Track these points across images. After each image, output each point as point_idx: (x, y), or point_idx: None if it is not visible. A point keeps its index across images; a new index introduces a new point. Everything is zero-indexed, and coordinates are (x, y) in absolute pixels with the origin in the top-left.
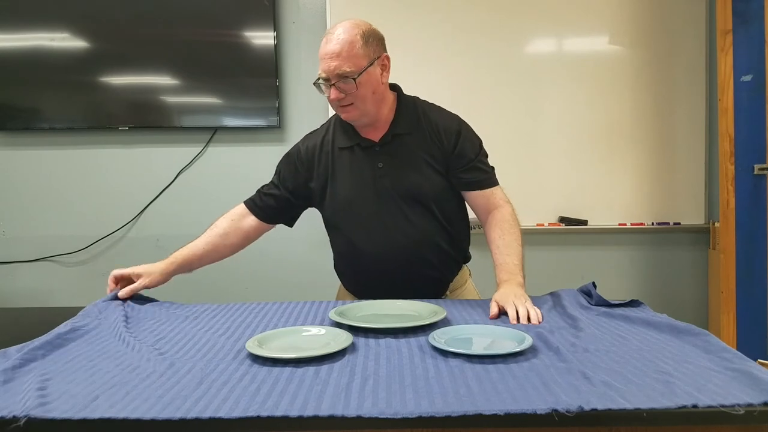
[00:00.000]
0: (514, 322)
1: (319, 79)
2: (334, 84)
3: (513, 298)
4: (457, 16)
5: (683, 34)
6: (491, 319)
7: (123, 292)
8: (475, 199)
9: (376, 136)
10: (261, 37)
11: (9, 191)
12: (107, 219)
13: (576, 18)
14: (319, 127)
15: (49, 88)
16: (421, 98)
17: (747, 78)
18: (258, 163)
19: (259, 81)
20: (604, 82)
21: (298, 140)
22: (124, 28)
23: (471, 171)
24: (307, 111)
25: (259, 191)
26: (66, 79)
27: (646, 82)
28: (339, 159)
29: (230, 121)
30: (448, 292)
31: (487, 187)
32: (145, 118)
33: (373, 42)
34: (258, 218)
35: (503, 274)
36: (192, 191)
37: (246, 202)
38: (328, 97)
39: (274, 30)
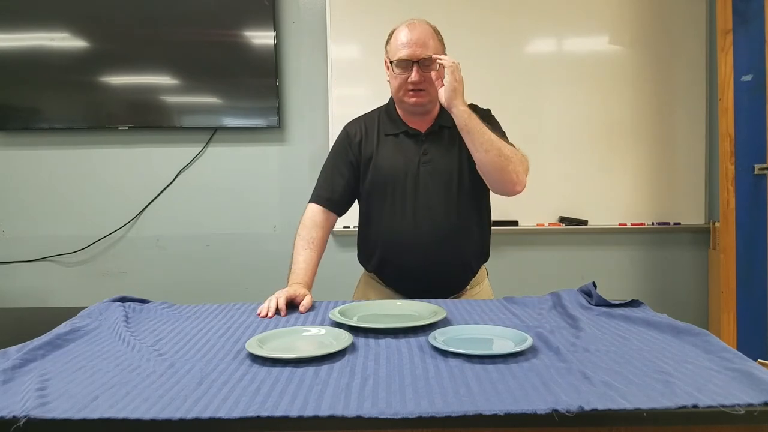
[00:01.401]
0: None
1: (393, 63)
2: (416, 64)
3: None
4: (457, 16)
5: (683, 34)
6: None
7: (304, 307)
8: None
9: (422, 126)
10: (261, 37)
11: (9, 191)
12: (107, 219)
13: (576, 18)
14: (360, 116)
15: (49, 88)
16: None
17: (747, 78)
18: (258, 163)
19: (259, 81)
20: (604, 82)
21: (299, 140)
22: (124, 28)
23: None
24: (307, 111)
25: (324, 188)
26: (66, 79)
27: (646, 82)
28: (384, 143)
29: (230, 121)
30: (468, 287)
31: None
32: (145, 118)
33: (442, 41)
34: (337, 214)
35: None
36: (192, 191)
37: (321, 203)
38: (405, 81)
39: (274, 30)
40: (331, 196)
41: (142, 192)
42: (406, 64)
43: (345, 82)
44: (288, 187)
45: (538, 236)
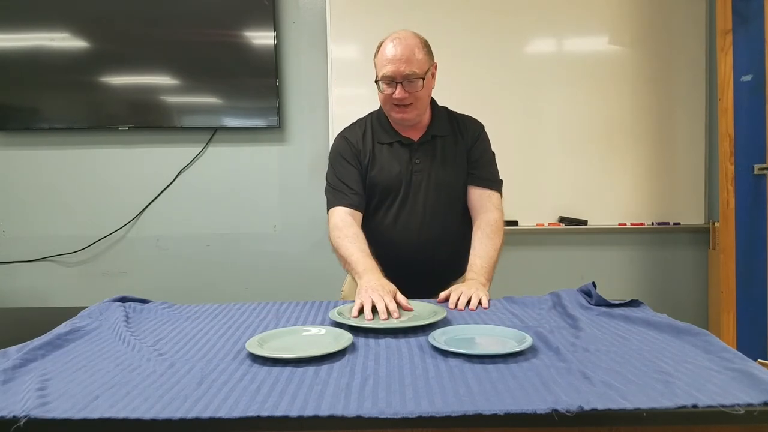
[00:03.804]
0: (452, 307)
1: (378, 80)
2: (400, 83)
3: (464, 288)
4: (457, 16)
5: (683, 34)
6: (438, 302)
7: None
8: (473, 194)
9: (415, 135)
10: (261, 37)
11: (9, 191)
12: (107, 219)
13: (576, 18)
14: (351, 124)
15: (49, 88)
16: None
17: (747, 78)
18: (258, 163)
19: (259, 81)
20: (604, 82)
21: (299, 140)
22: (124, 28)
23: (479, 168)
24: (307, 111)
25: (343, 189)
26: (66, 79)
27: (646, 82)
28: (378, 152)
29: (230, 121)
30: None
31: (488, 188)
32: (145, 118)
33: (430, 51)
34: (360, 212)
35: (469, 273)
36: (192, 191)
37: (344, 204)
38: (390, 96)
39: (274, 30)
40: (352, 195)
41: (142, 192)
42: (390, 80)
43: (345, 82)
44: (288, 187)
45: (538, 236)
